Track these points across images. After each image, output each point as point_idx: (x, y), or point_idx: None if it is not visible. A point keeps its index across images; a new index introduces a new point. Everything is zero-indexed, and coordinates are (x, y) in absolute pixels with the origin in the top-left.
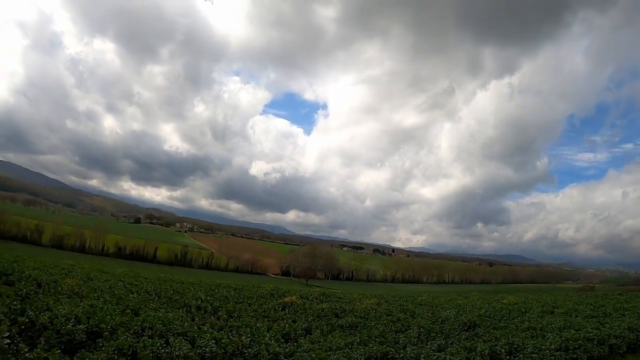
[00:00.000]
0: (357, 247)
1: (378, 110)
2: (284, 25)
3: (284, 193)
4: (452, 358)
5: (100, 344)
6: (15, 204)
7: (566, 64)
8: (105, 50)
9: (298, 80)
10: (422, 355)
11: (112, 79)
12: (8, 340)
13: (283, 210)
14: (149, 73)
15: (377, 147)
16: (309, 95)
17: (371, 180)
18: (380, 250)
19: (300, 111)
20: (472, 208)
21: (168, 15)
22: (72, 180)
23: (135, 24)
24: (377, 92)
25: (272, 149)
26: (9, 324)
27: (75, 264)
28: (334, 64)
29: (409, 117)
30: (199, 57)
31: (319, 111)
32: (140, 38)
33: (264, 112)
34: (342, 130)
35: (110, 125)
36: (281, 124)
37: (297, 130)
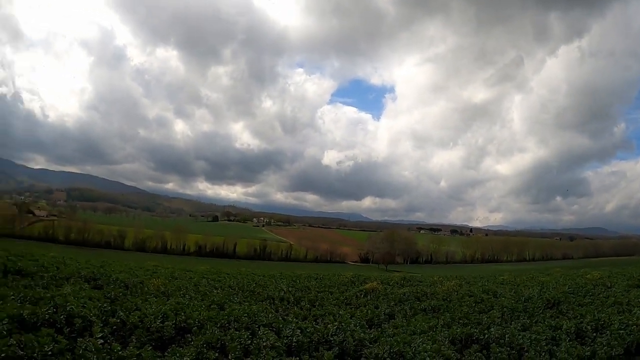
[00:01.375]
0: (435, 229)
1: (446, 88)
2: (342, 12)
3: (358, 180)
4: (538, 337)
5: (189, 339)
6: (96, 212)
7: (636, 22)
8: (168, 58)
9: (362, 66)
10: (506, 335)
11: (179, 85)
12: (102, 340)
13: (358, 197)
14: (213, 75)
15: (448, 126)
16: (375, 80)
17: (444, 160)
18: (458, 231)
19: (367, 97)
20: (549, 181)
21: (226, 15)
22: (149, 185)
23: (195, 29)
24: (443, 69)
25: (343, 137)
26: (102, 325)
27: (159, 264)
28: (397, 46)
29: (478, 92)
30: (261, 53)
31: (387, 95)
32: (201, 42)
33: (331, 102)
34: (412, 112)
35: (181, 129)
36: (350, 112)
37: (366, 116)
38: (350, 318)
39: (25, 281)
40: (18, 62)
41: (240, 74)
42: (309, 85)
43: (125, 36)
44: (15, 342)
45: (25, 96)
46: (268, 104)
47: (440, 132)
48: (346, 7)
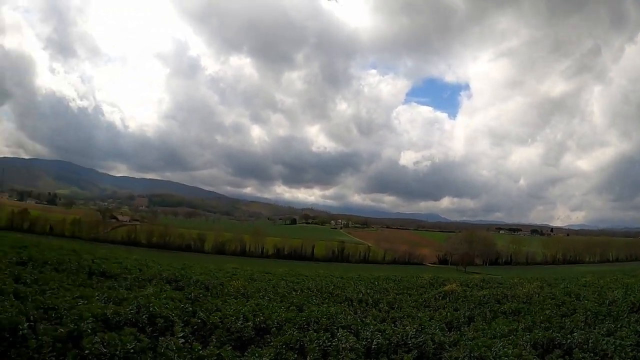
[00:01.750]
0: (514, 229)
1: (522, 82)
2: (412, 10)
3: (436, 180)
4: (622, 342)
5: (269, 340)
6: (177, 217)
7: None
8: (242, 66)
9: (436, 64)
10: (590, 340)
11: (253, 91)
12: (183, 340)
13: (436, 197)
14: (287, 80)
15: (525, 122)
16: (449, 78)
17: (523, 158)
18: (538, 231)
19: (442, 95)
20: (633, 177)
21: (297, 21)
22: (228, 190)
23: (266, 36)
24: (518, 63)
25: (419, 137)
26: (183, 325)
27: (238, 267)
28: (470, 42)
29: (555, 86)
30: (333, 56)
31: (462, 92)
32: (273, 48)
33: (406, 101)
34: (488, 109)
35: (257, 135)
36: (425, 111)
37: (442, 115)
38: (429, 320)
39: (109, 282)
40: (97, 76)
41: (313, 78)
42: (383, 85)
43: (199, 47)
44: (99, 340)
45: (105, 108)
46: (343, 107)
47: (517, 128)
48: (415, 4)
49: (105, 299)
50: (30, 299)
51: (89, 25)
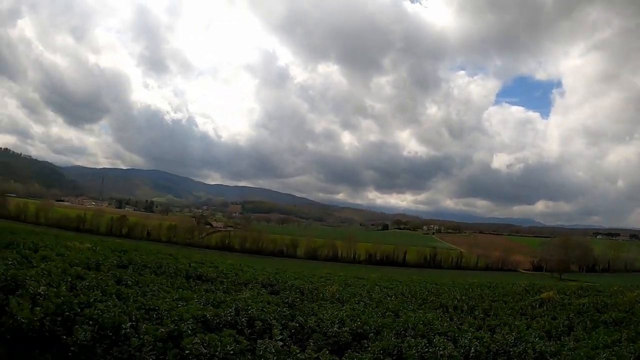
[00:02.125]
0: (613, 233)
1: (617, 76)
2: (497, 7)
3: (530, 183)
4: None
5: (366, 345)
6: (270, 223)
7: None
8: (330, 73)
9: (525, 61)
10: None
11: (343, 98)
12: (281, 343)
13: (530, 201)
14: (376, 85)
15: (623, 119)
16: (540, 76)
17: (621, 157)
18: (638, 236)
19: (533, 94)
20: None
21: (382, 25)
22: (320, 196)
23: (352, 43)
24: (611, 56)
25: (511, 138)
26: (281, 328)
27: (331, 272)
28: (559, 37)
29: None
30: (420, 59)
31: (554, 90)
32: (360, 54)
33: (496, 102)
34: (582, 107)
35: (348, 141)
36: (517, 111)
37: (534, 115)
38: (527, 329)
39: (206, 285)
40: (189, 90)
41: (402, 82)
42: (472, 87)
43: (286, 57)
44: (199, 340)
45: (199, 120)
46: (433, 110)
47: (614, 125)
48: (501, 1)
49: (204, 301)
50: (131, 300)
51: (179, 41)
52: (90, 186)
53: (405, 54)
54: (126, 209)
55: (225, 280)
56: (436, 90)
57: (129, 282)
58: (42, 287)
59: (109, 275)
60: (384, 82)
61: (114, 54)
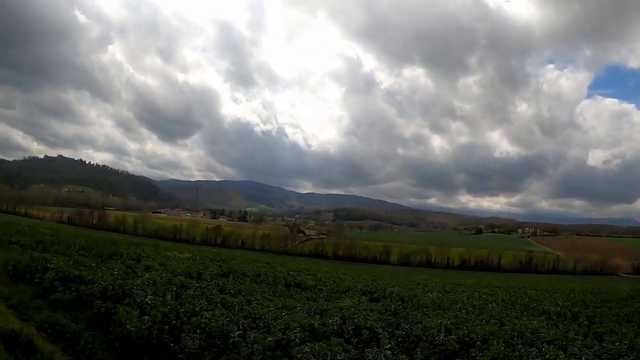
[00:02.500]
0: None
1: None
2: None
3: (628, 180)
4: None
5: (473, 354)
6: (362, 230)
7: None
8: (416, 76)
9: (616, 50)
10: None
11: (430, 100)
12: (390, 352)
13: (630, 199)
14: (463, 86)
15: None
16: (632, 63)
17: None
18: None
19: (627, 84)
20: None
21: (465, 24)
22: (412, 202)
23: (436, 44)
24: None
25: (607, 133)
26: (388, 337)
27: (427, 278)
28: None
29: None
30: (507, 55)
31: None
32: (445, 55)
33: (589, 95)
34: None
35: (438, 144)
36: (610, 104)
37: (629, 106)
38: (636, 337)
39: (307, 294)
40: (277, 101)
41: (489, 81)
42: (562, 80)
43: (371, 63)
44: (308, 349)
45: (288, 130)
46: (523, 108)
47: None
48: None
49: (307, 309)
50: (237, 309)
51: (263, 54)
52: (185, 198)
53: (490, 51)
54: (220, 219)
55: (324, 287)
56: (525, 87)
57: (232, 291)
58: (149, 297)
59: (211, 284)
60: (471, 82)
61: (201, 72)
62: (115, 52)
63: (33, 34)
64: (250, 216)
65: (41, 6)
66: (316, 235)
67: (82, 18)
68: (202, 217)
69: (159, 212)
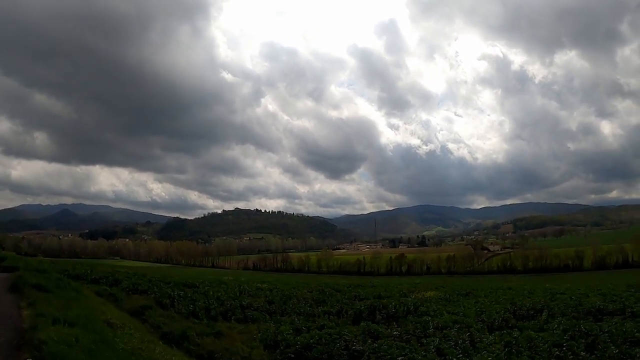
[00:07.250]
0: None
1: None
2: None
3: None
4: None
5: None
6: (546, 237)
7: None
8: (569, 61)
9: None
10: None
11: (590, 84)
12: None
13: None
14: (622, 58)
15: None
16: None
17: None
18: None
19: None
20: None
21: None
22: (591, 198)
23: (580, 18)
24: None
25: None
26: None
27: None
28: None
29: None
30: None
31: None
32: (593, 28)
33: None
34: None
35: (609, 130)
36: None
37: None
38: None
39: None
40: (433, 119)
41: None
42: None
43: (518, 58)
44: None
45: (451, 146)
46: None
47: None
48: None
49: None
50: None
51: (410, 75)
52: (361, 231)
53: None
54: (400, 247)
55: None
56: None
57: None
58: None
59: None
60: (628, 53)
61: (353, 105)
62: (268, 104)
63: (190, 104)
64: (429, 240)
65: (191, 77)
66: (501, 250)
67: (229, 77)
68: (381, 247)
69: (339, 249)
